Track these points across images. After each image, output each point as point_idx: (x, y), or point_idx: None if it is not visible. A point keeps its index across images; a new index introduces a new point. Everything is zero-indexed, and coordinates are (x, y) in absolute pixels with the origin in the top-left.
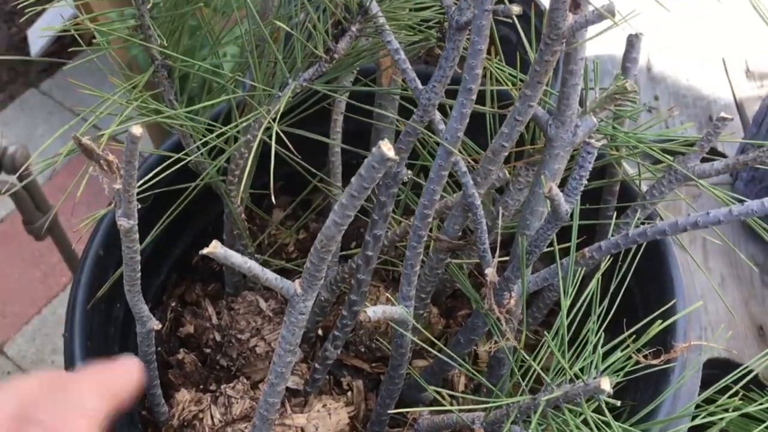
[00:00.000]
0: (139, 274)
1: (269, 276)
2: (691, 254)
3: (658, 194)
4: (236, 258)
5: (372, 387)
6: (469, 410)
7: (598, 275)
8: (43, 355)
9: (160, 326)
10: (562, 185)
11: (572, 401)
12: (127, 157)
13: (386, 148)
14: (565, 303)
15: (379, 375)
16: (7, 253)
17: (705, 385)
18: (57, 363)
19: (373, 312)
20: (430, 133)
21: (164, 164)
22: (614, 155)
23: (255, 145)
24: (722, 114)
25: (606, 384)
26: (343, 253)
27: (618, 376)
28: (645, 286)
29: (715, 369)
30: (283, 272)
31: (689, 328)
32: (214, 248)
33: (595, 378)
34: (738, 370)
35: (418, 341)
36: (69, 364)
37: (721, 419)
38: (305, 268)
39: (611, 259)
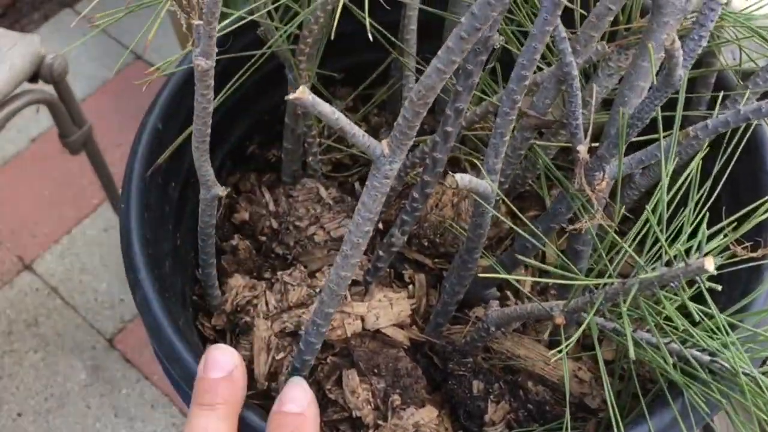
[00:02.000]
0: (209, 130)
1: (356, 131)
2: None
3: (762, 83)
4: (324, 107)
5: (434, 283)
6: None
7: (699, 157)
8: (72, 274)
9: (226, 191)
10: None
11: (668, 286)
12: None
13: None
14: (665, 178)
15: (442, 271)
16: (40, 172)
17: None
18: (84, 282)
19: (462, 178)
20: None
21: (232, 27)
22: (715, 42)
23: (332, 8)
24: None
25: (710, 264)
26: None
27: (722, 258)
28: (738, 186)
29: None
30: (340, 166)
31: None
32: (303, 93)
33: (697, 258)
34: None
35: (501, 216)
36: (125, 236)
37: None
38: (396, 125)
39: (708, 150)
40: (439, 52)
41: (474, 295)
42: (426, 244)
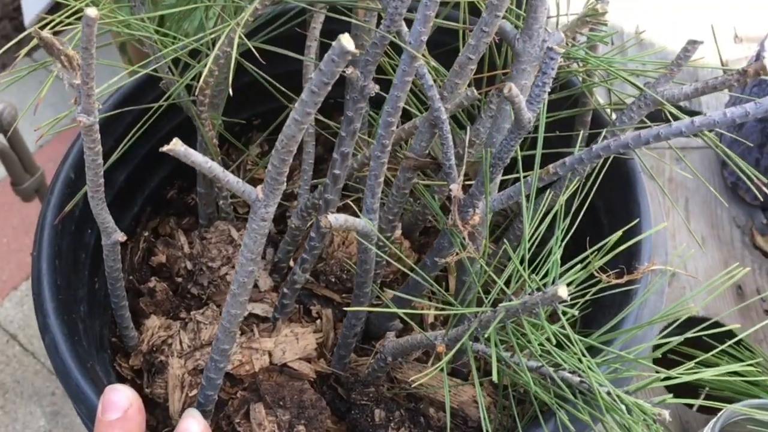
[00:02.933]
0: (102, 180)
1: (230, 178)
2: (659, 183)
3: (629, 120)
4: (197, 156)
5: (341, 317)
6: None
7: (563, 197)
8: (31, 320)
9: (125, 237)
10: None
11: (531, 311)
12: (84, 43)
13: (346, 41)
14: (527, 216)
15: (349, 305)
16: None
17: (684, 343)
18: None
19: (335, 219)
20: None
21: (134, 81)
22: (586, 84)
23: (225, 61)
24: (691, 38)
25: (563, 291)
26: (315, 181)
27: (574, 286)
28: (614, 214)
29: (693, 326)
30: None
31: (654, 254)
32: (175, 145)
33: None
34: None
35: (384, 255)
36: (36, 282)
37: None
38: (267, 172)
39: (579, 186)
40: (296, 105)
41: (379, 327)
42: (333, 280)
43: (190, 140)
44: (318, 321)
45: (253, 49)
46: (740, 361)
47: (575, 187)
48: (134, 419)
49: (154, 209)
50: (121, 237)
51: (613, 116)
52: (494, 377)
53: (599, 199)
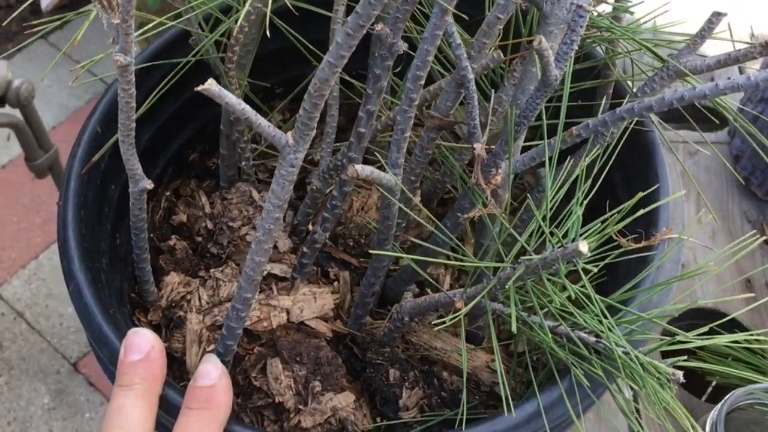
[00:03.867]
0: (134, 124)
1: (262, 122)
2: (678, 157)
3: (650, 91)
4: (230, 98)
5: (358, 281)
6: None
7: (584, 161)
8: (38, 299)
9: (153, 185)
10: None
11: (551, 268)
12: None
13: None
14: (549, 175)
15: (366, 270)
16: (8, 198)
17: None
18: (51, 307)
19: (362, 169)
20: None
21: (164, 38)
22: (609, 55)
23: (256, 19)
24: (715, 10)
25: (584, 246)
26: (337, 144)
27: (591, 249)
28: (631, 185)
29: (702, 318)
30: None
31: (671, 223)
32: (210, 85)
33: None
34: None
35: (408, 210)
36: (62, 228)
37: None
38: (298, 117)
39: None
40: (330, 48)
41: (396, 292)
42: (351, 243)
43: (214, 105)
44: (335, 283)
45: (290, 6)
46: (751, 352)
47: (595, 154)
48: (156, 361)
49: (176, 171)
50: (148, 184)
51: (634, 89)
52: (513, 328)
53: (617, 170)
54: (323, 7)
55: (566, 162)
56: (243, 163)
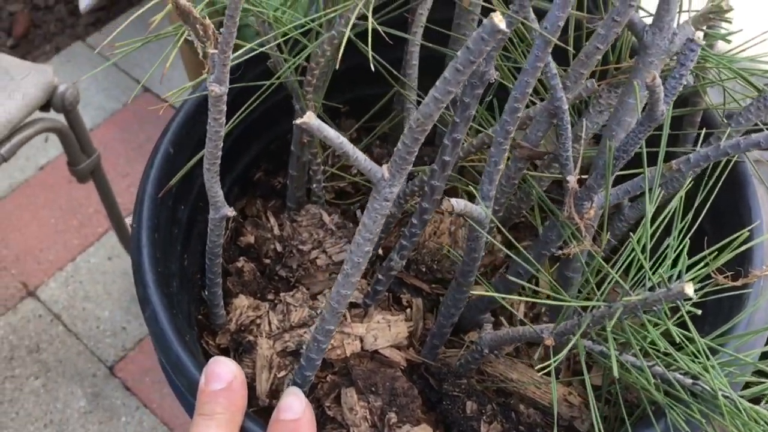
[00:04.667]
0: (220, 153)
1: (359, 155)
2: None
3: (744, 122)
4: (329, 131)
5: (430, 307)
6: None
7: (682, 192)
8: (75, 302)
9: (234, 213)
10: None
11: (651, 309)
12: (230, 11)
13: (498, 19)
14: (650, 209)
15: (438, 296)
16: (46, 200)
17: None
18: (87, 309)
19: (457, 203)
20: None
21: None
22: (701, 83)
23: (338, 41)
24: None
25: (690, 289)
26: (413, 168)
27: (702, 285)
28: (719, 218)
29: None
30: (342, 193)
31: (766, 259)
32: (309, 118)
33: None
34: None
35: (496, 242)
36: (136, 253)
37: None
38: (396, 151)
39: (691, 184)
40: (437, 83)
41: (469, 320)
42: (424, 269)
43: (280, 124)
44: (408, 310)
45: (378, 28)
46: None
47: (689, 186)
48: (238, 391)
49: (242, 190)
50: (230, 212)
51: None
52: (614, 372)
53: (703, 201)
54: (398, 28)
55: (655, 192)
56: (314, 185)
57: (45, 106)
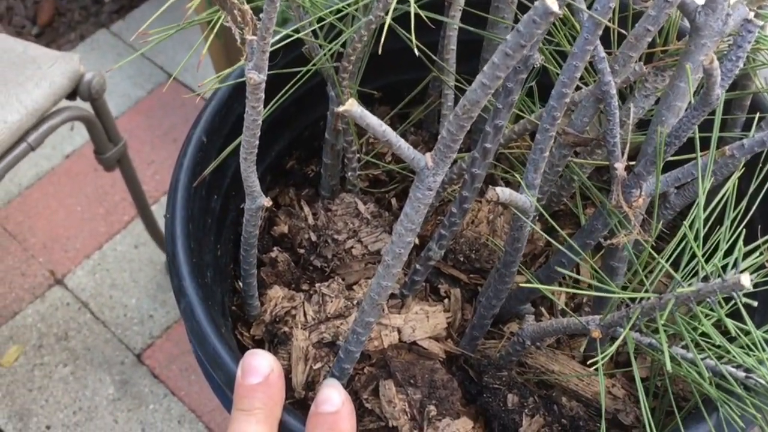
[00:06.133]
0: (257, 141)
1: (402, 143)
2: None
3: None
4: (372, 119)
5: (468, 298)
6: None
7: (736, 176)
8: (102, 289)
9: (271, 203)
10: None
11: (704, 301)
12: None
13: (550, 1)
14: (702, 195)
15: (476, 286)
16: (72, 188)
17: None
18: (114, 297)
19: (502, 192)
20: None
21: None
22: (752, 65)
23: (375, 26)
24: None
25: (747, 279)
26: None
27: (758, 275)
28: None
29: None
30: (377, 182)
31: None
32: (351, 105)
33: (733, 274)
34: None
35: (539, 231)
36: (171, 243)
37: None
38: (440, 138)
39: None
40: (485, 68)
41: (508, 311)
42: (462, 259)
43: (312, 110)
44: (446, 300)
45: (420, 12)
46: None
47: (740, 173)
48: (276, 385)
49: (274, 179)
50: (266, 202)
51: None
52: (667, 366)
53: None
54: (436, 11)
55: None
56: (348, 173)
57: (71, 95)
